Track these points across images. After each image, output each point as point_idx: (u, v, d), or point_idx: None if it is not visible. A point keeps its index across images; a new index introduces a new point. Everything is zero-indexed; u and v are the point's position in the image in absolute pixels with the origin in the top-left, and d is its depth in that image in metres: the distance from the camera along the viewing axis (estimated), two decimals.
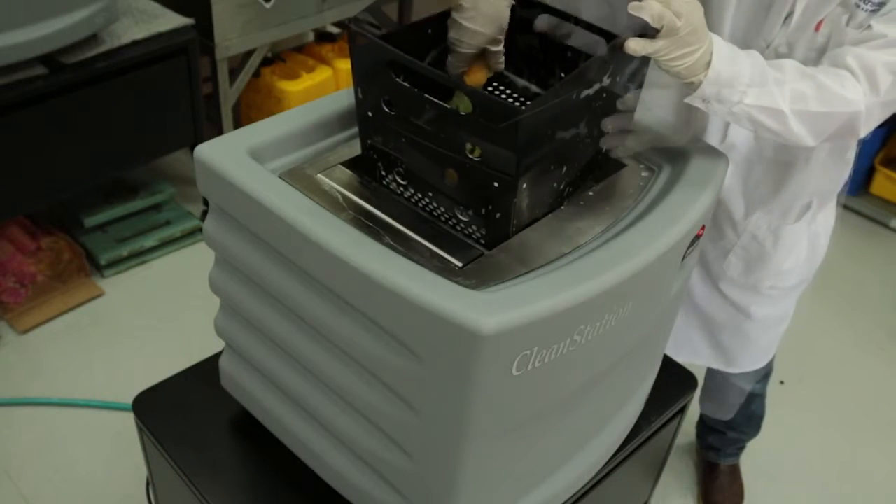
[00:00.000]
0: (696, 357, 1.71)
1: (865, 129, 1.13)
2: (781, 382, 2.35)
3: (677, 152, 1.11)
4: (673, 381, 1.43)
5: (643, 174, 1.09)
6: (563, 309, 0.84)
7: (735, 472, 2.08)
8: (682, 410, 1.45)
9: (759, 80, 1.06)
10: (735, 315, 1.61)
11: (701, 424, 2.07)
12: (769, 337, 1.67)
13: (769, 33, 1.20)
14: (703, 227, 1.06)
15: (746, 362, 1.70)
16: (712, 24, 1.23)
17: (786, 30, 1.18)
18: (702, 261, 1.57)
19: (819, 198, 1.45)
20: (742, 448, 2.05)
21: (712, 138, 1.36)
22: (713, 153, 1.10)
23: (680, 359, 1.53)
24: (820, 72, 1.10)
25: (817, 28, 1.17)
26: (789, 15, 1.17)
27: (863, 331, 2.61)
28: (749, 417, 1.94)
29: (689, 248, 1.04)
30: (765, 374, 1.82)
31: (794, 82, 1.07)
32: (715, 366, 1.73)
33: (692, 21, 0.98)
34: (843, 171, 1.44)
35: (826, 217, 1.52)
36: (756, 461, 2.14)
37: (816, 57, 1.19)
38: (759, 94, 1.06)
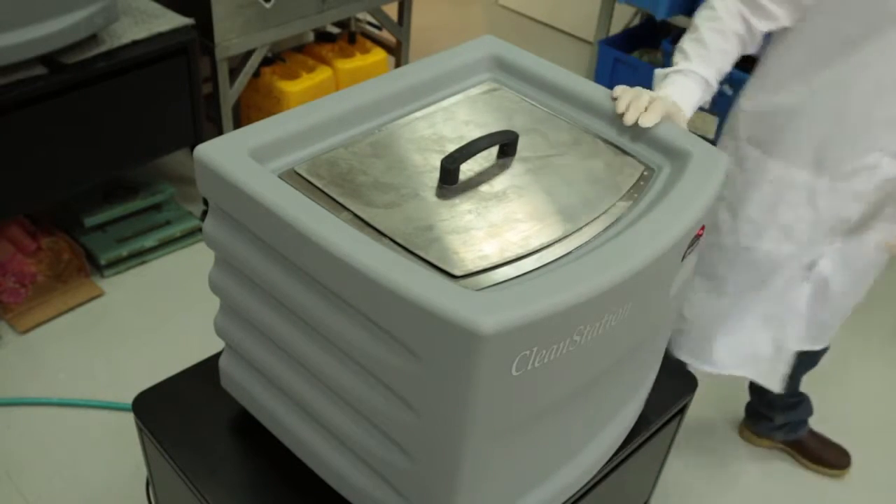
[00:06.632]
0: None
1: None
2: None
3: (677, 152, 1.11)
4: (673, 381, 1.43)
5: (643, 174, 1.09)
6: (563, 309, 0.84)
7: (817, 436, 2.16)
8: (682, 410, 1.45)
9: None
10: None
11: (763, 419, 2.12)
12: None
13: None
14: (702, 227, 1.05)
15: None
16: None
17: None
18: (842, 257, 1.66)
19: None
20: (800, 424, 2.12)
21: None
22: (713, 153, 1.10)
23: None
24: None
25: None
26: None
27: (863, 331, 2.61)
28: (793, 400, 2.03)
29: (688, 247, 1.04)
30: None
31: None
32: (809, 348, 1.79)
33: None
34: None
35: None
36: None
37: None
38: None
